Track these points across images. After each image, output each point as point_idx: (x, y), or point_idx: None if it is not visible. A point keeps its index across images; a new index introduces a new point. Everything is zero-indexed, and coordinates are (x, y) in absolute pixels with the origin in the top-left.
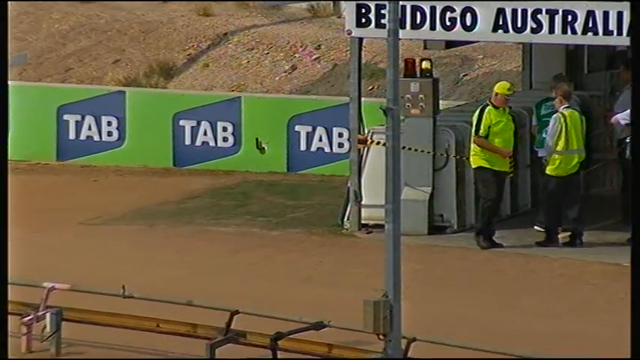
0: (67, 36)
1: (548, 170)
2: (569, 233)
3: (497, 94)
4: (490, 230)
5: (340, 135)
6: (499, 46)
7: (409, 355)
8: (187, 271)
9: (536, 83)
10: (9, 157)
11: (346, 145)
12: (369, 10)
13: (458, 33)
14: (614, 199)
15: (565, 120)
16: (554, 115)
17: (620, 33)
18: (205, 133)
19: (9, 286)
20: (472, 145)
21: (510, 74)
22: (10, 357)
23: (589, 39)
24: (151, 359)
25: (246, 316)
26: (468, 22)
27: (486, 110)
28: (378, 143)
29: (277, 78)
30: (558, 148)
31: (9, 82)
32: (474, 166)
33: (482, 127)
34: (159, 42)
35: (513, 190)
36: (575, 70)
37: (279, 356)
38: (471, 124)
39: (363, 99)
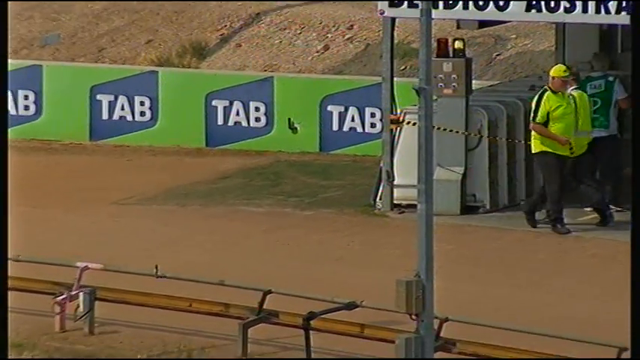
0: (99, 16)
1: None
2: (593, 215)
3: (553, 77)
4: (559, 211)
5: (372, 115)
6: (532, 25)
7: (442, 334)
8: (219, 251)
9: (569, 63)
10: (42, 137)
11: (378, 125)
12: None
13: (491, 12)
14: None
15: (575, 102)
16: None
17: None
18: (238, 113)
19: (42, 265)
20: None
21: (543, 54)
22: (44, 336)
23: (622, 18)
24: None
25: (278, 296)
26: (501, 1)
27: (545, 96)
28: (409, 123)
29: (310, 58)
30: None
31: (42, 62)
32: (535, 151)
33: (539, 114)
34: (191, 22)
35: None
36: (608, 49)
37: (311, 336)
38: (530, 110)
39: (395, 79)
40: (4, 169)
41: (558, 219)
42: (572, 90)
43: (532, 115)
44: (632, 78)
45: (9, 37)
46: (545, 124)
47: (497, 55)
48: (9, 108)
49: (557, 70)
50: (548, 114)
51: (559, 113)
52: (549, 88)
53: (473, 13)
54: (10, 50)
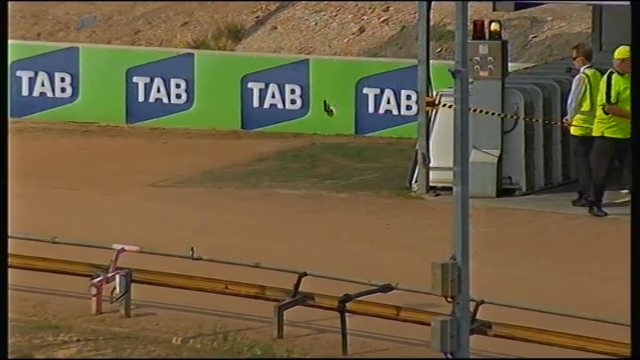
0: None
1: (574, 131)
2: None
3: (623, 59)
4: (601, 195)
5: (408, 97)
6: (568, 7)
7: (477, 317)
8: (255, 234)
9: (605, 45)
10: (78, 119)
11: (414, 108)
12: None
13: None
14: None
15: (589, 80)
16: (578, 76)
17: None
18: (273, 96)
19: (79, 247)
20: (597, 112)
21: (580, 36)
22: (80, 318)
23: None
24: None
25: (314, 279)
26: None
27: (613, 77)
28: (445, 105)
29: (345, 40)
30: (584, 108)
31: (79, 45)
32: (596, 134)
33: (612, 94)
34: (227, 4)
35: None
36: None
37: (346, 318)
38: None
39: (431, 61)
40: (4, 168)
41: (598, 202)
42: (585, 68)
43: (605, 96)
44: (632, 78)
45: (46, 19)
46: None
47: (534, 37)
48: (46, 90)
49: (623, 52)
50: (618, 94)
51: (627, 95)
52: (615, 70)
53: None
54: (46, 32)
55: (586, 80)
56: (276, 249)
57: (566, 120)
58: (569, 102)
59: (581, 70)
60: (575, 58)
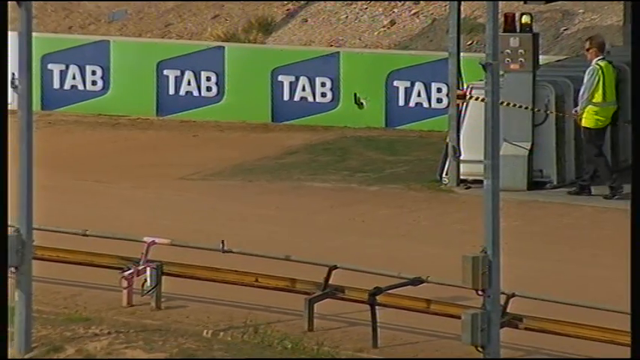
0: None
1: (585, 123)
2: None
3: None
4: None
5: (439, 90)
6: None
7: (508, 310)
8: (285, 227)
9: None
10: (109, 112)
11: (445, 101)
12: None
13: None
14: None
15: (602, 72)
16: (591, 67)
17: None
18: (304, 89)
19: (109, 240)
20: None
21: (611, 29)
22: (111, 310)
23: None
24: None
25: (344, 272)
26: None
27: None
28: (476, 99)
29: (376, 33)
30: (596, 100)
31: (109, 38)
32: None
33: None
34: None
35: (614, 147)
36: None
37: (377, 311)
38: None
39: (462, 54)
40: (4, 165)
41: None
42: (598, 60)
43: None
44: (632, 78)
45: (77, 12)
46: None
47: (565, 29)
48: (77, 83)
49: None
50: None
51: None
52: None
53: None
54: (77, 26)
55: (599, 72)
56: (307, 242)
57: (576, 112)
58: (581, 93)
59: (594, 61)
60: (588, 50)
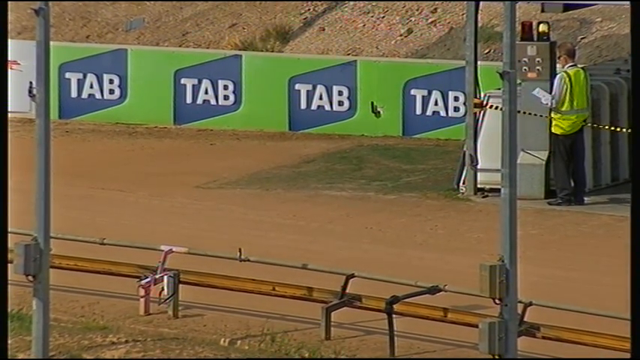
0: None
1: (554, 129)
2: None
3: None
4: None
5: (456, 99)
6: (617, 8)
7: (525, 319)
8: (302, 235)
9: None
10: (126, 121)
11: (462, 109)
12: None
13: None
14: None
15: (570, 79)
16: (559, 75)
17: None
18: (321, 97)
19: (127, 249)
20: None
21: (629, 37)
22: (128, 319)
23: None
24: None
25: (361, 280)
26: None
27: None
28: (493, 107)
29: (393, 41)
30: (564, 108)
31: (127, 47)
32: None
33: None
34: (275, 6)
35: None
36: None
37: (394, 320)
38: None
39: (479, 62)
40: (4, 166)
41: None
42: (568, 67)
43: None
44: (632, 77)
45: (95, 21)
46: None
47: (582, 38)
48: (94, 92)
49: None
50: None
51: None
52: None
53: None
54: (95, 34)
55: (567, 79)
56: (324, 250)
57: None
58: (547, 100)
59: (564, 68)
60: (558, 57)
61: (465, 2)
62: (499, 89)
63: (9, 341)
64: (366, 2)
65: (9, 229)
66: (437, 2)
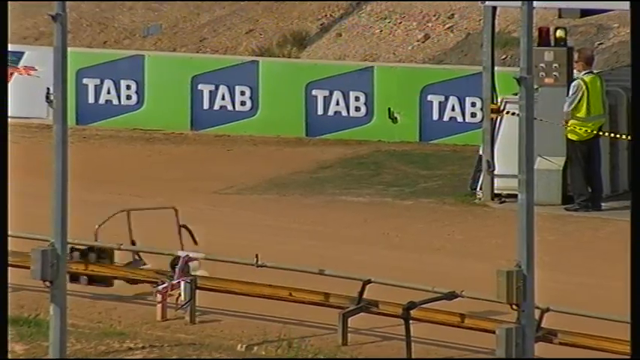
0: (201, 6)
1: (570, 135)
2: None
3: None
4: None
5: (473, 104)
6: None
7: (543, 325)
8: (319, 241)
9: None
10: (144, 127)
11: (479, 115)
12: None
13: (593, 1)
14: None
15: (586, 86)
16: (575, 82)
17: None
18: (338, 103)
19: (144, 254)
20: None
21: None
22: (145, 325)
23: None
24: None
25: (378, 286)
26: None
27: None
28: (509, 113)
29: (410, 47)
30: (580, 114)
31: (144, 53)
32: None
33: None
34: (292, 11)
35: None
36: None
37: (411, 326)
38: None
39: (496, 68)
40: (4, 168)
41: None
42: (584, 74)
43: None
44: (632, 78)
45: (112, 26)
46: None
47: (600, 44)
48: (111, 98)
49: None
50: None
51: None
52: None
53: (575, 2)
54: (112, 40)
55: (583, 86)
56: (341, 256)
57: (564, 125)
58: (565, 107)
59: (580, 75)
60: (576, 62)
61: (482, 8)
62: (516, 95)
63: (26, 346)
64: (383, 8)
65: (27, 235)
66: (454, 8)
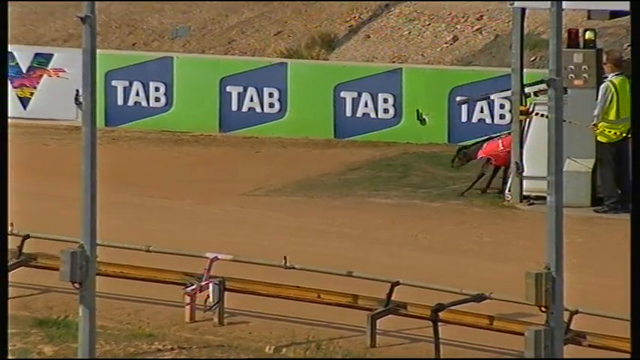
0: (229, 7)
1: (600, 138)
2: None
3: None
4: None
5: (502, 106)
6: None
7: (572, 327)
8: (347, 242)
9: None
10: (172, 129)
11: (507, 117)
12: None
13: (622, 3)
14: None
15: (616, 88)
16: (604, 84)
17: None
18: (366, 105)
19: (172, 256)
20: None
21: None
22: (174, 326)
23: None
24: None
25: (406, 288)
26: None
27: None
28: (538, 114)
29: (438, 49)
30: (610, 117)
31: (173, 54)
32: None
33: None
34: (320, 13)
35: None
36: None
37: (439, 328)
38: None
39: (525, 70)
40: (4, 168)
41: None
42: (613, 76)
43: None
44: (632, 78)
45: (141, 28)
46: None
47: (629, 45)
48: (140, 100)
49: None
50: None
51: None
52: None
53: (604, 4)
54: (141, 42)
55: (612, 88)
56: (369, 258)
57: (594, 125)
58: (596, 110)
59: (609, 77)
60: (605, 64)
61: (511, 9)
62: (545, 96)
63: (55, 348)
64: (412, 9)
65: (56, 237)
66: (483, 10)
